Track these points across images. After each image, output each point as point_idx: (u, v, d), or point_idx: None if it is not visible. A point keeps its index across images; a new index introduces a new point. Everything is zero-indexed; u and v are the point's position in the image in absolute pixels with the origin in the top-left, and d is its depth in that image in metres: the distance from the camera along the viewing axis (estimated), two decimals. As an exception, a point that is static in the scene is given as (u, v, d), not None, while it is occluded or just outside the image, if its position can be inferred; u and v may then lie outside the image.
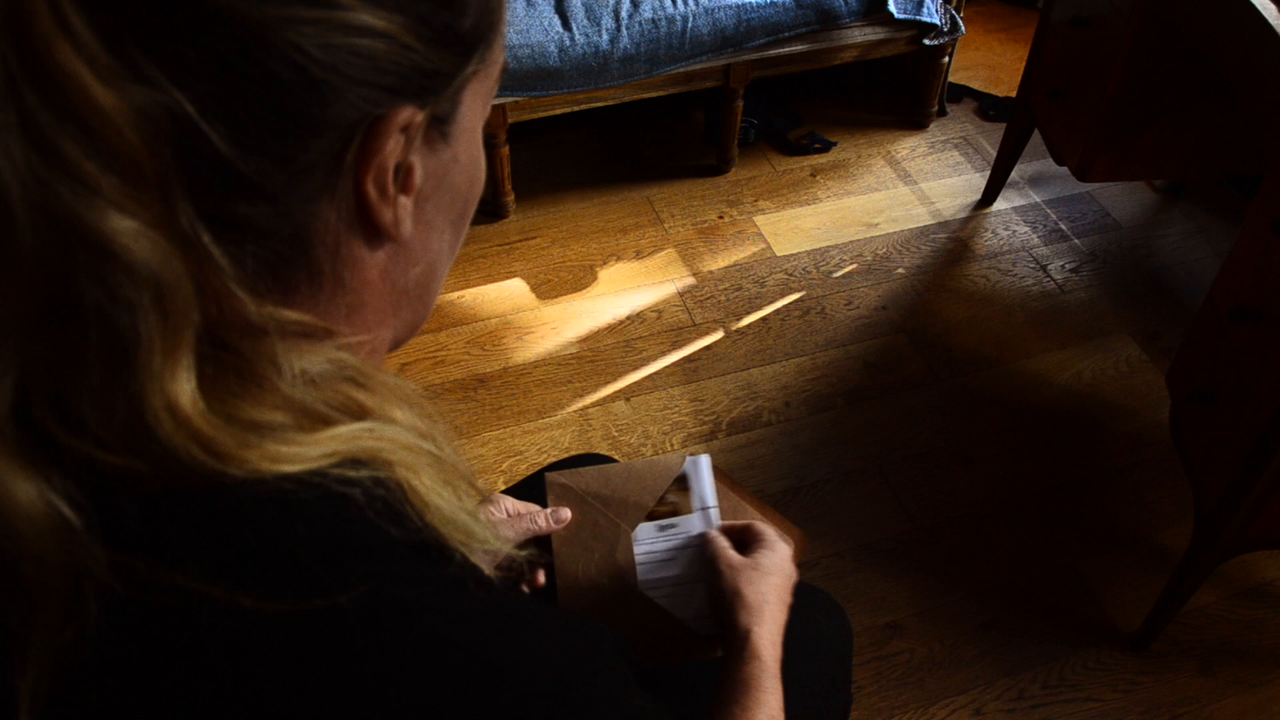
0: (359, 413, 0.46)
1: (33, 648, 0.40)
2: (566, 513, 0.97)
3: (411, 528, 0.46)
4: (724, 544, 0.93)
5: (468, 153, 0.52)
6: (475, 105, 0.51)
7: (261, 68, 0.39)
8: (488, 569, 0.50)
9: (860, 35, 2.45)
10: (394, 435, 0.46)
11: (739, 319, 2.25)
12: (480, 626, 0.46)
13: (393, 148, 0.45)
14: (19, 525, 0.39)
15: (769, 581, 0.88)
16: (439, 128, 0.48)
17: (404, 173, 0.47)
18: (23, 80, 0.35)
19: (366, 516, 0.44)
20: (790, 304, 2.29)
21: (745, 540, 0.95)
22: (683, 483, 0.98)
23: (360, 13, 0.41)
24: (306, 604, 0.41)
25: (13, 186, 0.36)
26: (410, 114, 0.45)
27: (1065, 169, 2.17)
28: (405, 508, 0.46)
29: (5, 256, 0.37)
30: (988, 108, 2.86)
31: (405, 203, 0.48)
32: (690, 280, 2.34)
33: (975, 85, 2.94)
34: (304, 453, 0.43)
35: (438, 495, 0.47)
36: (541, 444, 1.99)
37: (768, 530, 0.94)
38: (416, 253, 0.52)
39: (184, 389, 0.40)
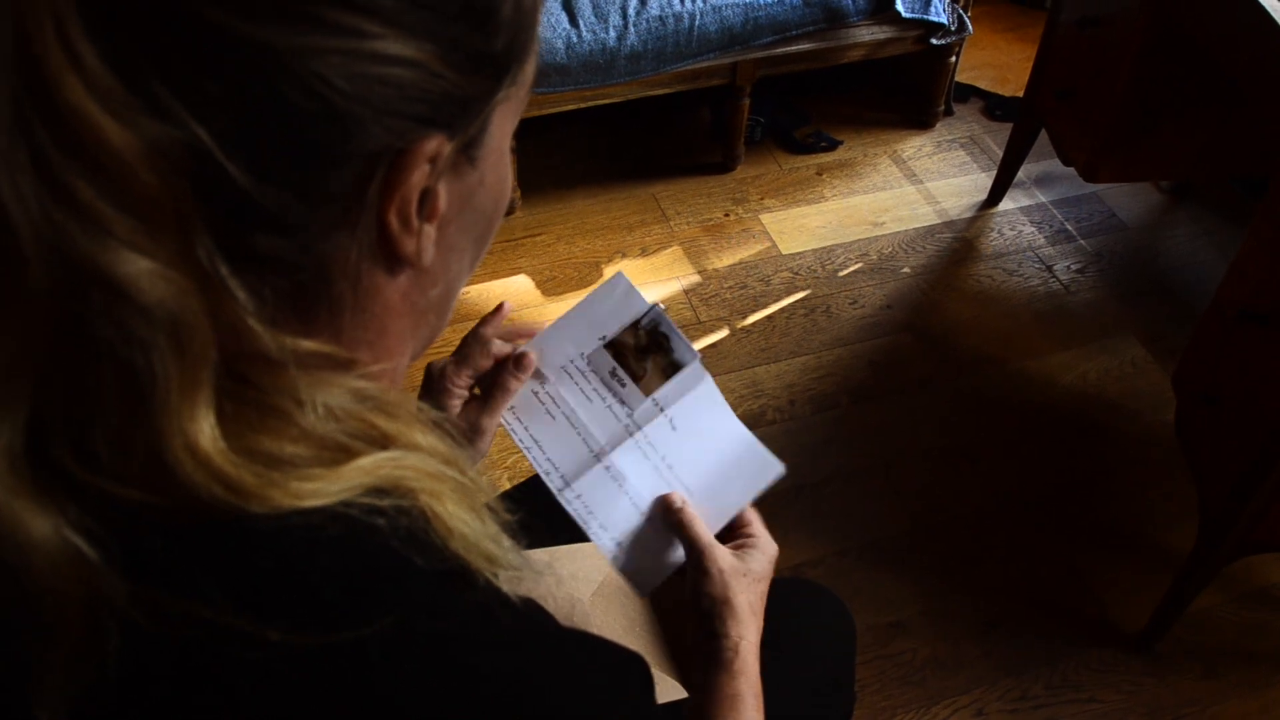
0: (382, 441, 0.45)
1: (51, 680, 0.40)
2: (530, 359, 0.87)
3: (436, 556, 0.45)
4: (708, 535, 0.84)
5: (494, 173, 0.50)
6: (504, 125, 0.49)
7: (284, 99, 0.38)
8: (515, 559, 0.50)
9: (867, 34, 2.44)
10: (417, 463, 0.45)
11: (744, 317, 2.25)
12: (508, 655, 0.46)
13: (418, 179, 0.44)
14: (36, 561, 0.38)
15: (756, 590, 0.82)
16: (466, 153, 0.47)
17: (428, 200, 0.46)
18: (33, 117, 0.34)
19: (391, 546, 0.43)
20: (795, 302, 2.29)
21: (733, 526, 0.87)
22: (672, 370, 0.87)
23: (389, 41, 0.39)
24: (333, 636, 0.40)
25: (23, 226, 0.35)
26: (438, 144, 0.43)
27: (1072, 169, 2.16)
28: (429, 535, 0.45)
29: (17, 296, 0.36)
30: (994, 107, 2.85)
31: (429, 231, 0.47)
32: (696, 278, 2.34)
33: (982, 85, 2.93)
34: (327, 488, 0.42)
35: (461, 521, 0.46)
36: (546, 440, 1.98)
37: (758, 525, 0.87)
38: (437, 275, 0.51)
39: (203, 428, 0.40)
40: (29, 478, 0.39)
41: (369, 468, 0.44)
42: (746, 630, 0.80)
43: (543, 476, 0.87)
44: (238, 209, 0.40)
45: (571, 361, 0.88)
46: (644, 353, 0.88)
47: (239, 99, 0.37)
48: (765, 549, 0.84)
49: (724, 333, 2.22)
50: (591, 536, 0.86)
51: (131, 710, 0.40)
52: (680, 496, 0.86)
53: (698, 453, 0.88)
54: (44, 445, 0.39)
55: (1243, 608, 1.78)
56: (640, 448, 0.88)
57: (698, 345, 2.18)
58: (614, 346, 0.88)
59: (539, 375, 0.88)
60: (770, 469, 0.88)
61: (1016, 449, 2.02)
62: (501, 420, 0.87)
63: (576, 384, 0.88)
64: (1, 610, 0.41)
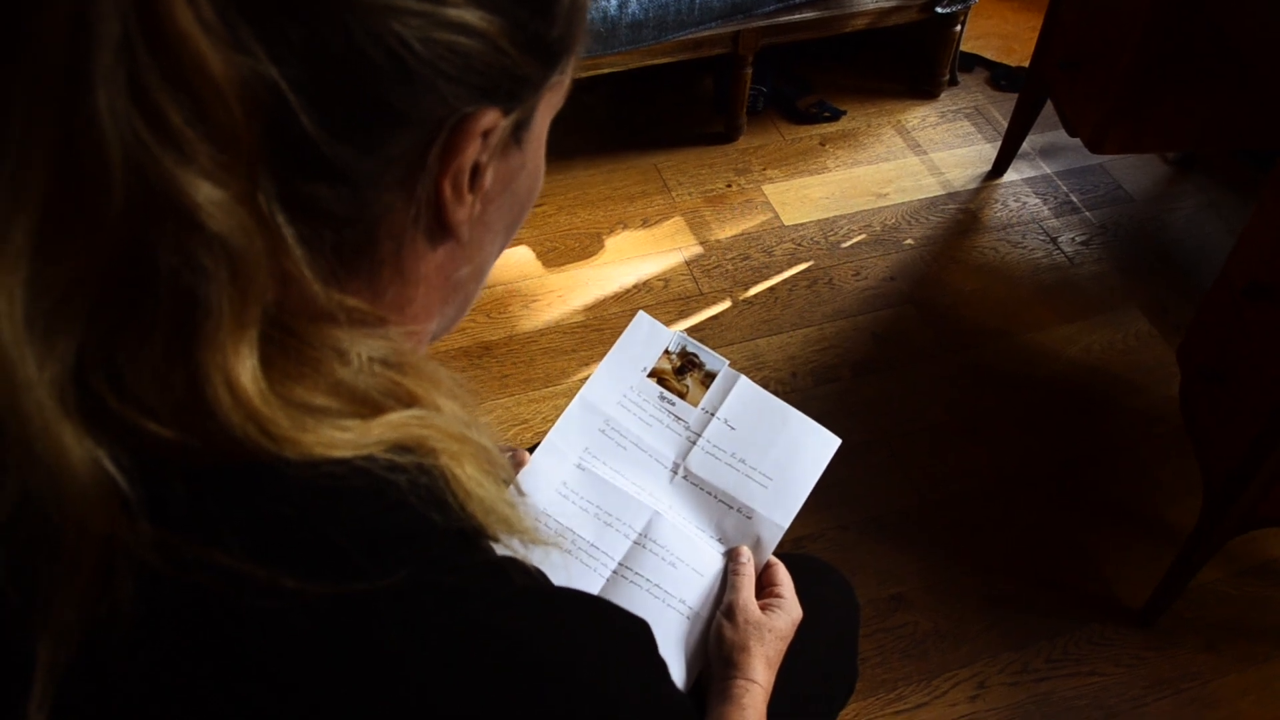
0: (408, 400, 0.46)
1: (61, 616, 0.40)
2: None
3: (453, 515, 0.46)
4: (749, 592, 0.94)
5: (534, 160, 0.53)
6: (547, 114, 0.52)
7: (361, 54, 0.39)
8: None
9: (872, 3, 2.41)
10: (441, 424, 0.47)
11: (746, 289, 2.24)
12: (521, 614, 0.46)
13: (473, 150, 0.46)
14: (67, 490, 0.39)
15: (775, 646, 0.91)
16: (515, 134, 0.49)
17: (477, 175, 0.48)
18: (138, 39, 0.35)
19: (410, 503, 0.44)
20: (798, 274, 2.28)
21: (763, 583, 0.97)
22: (709, 379, 1.00)
23: (464, 10, 0.41)
24: (347, 587, 0.41)
25: (114, 147, 0.35)
26: (494, 118, 0.46)
27: (1077, 140, 2.14)
28: (447, 496, 0.46)
29: (94, 215, 0.37)
30: (1000, 77, 2.83)
31: (475, 205, 0.49)
32: (698, 249, 2.33)
33: (987, 54, 2.90)
34: (356, 439, 0.43)
35: (479, 485, 0.47)
36: (547, 413, 1.98)
37: (788, 585, 0.96)
38: (472, 253, 0.53)
39: (246, 366, 0.40)
40: (74, 404, 0.39)
41: (396, 423, 0.45)
42: (758, 676, 0.89)
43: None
44: (302, 157, 0.41)
45: (625, 395, 1.00)
46: (681, 372, 1.01)
47: (318, 48, 0.39)
48: (790, 611, 0.94)
49: (726, 304, 2.21)
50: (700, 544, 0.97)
51: (141, 652, 0.41)
52: (747, 553, 0.96)
53: (761, 444, 0.99)
54: (85, 373, 0.40)
55: (1245, 583, 1.78)
56: (708, 452, 0.98)
57: (699, 317, 2.17)
58: (655, 374, 1.01)
59: (601, 415, 0.99)
60: (828, 444, 0.99)
61: (1019, 422, 2.01)
62: (581, 465, 0.98)
63: (634, 414, 0.99)
64: (20, 541, 0.41)
